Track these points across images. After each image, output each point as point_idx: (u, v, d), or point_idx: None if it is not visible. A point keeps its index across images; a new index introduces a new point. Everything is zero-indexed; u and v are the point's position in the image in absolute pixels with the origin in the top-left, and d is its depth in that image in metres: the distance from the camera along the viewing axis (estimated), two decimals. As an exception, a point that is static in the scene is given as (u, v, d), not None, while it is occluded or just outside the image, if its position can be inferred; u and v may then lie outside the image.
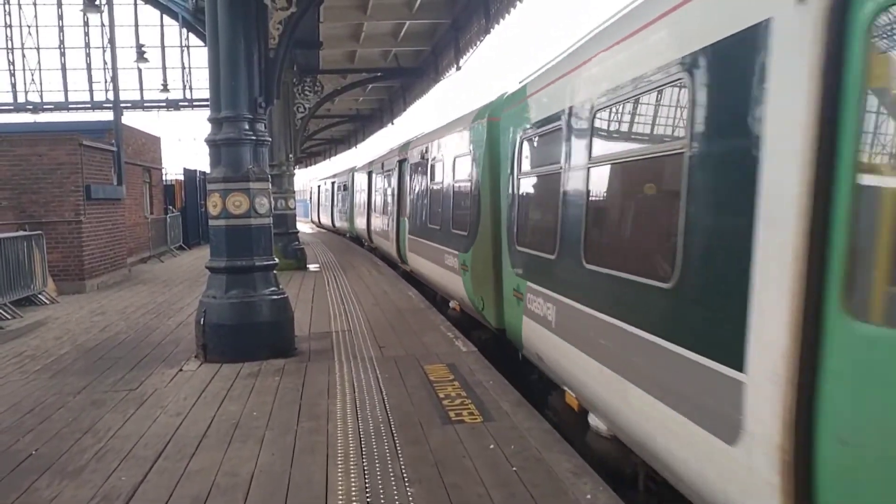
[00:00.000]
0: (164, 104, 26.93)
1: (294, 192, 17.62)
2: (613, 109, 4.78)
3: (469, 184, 9.50)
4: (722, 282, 3.27)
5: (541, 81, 6.65)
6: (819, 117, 2.64)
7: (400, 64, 21.25)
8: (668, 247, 3.77)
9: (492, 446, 4.78)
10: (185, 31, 22.83)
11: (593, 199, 5.10)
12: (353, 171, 28.85)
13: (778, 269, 2.80)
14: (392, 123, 29.51)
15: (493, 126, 8.61)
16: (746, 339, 3.00)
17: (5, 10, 26.04)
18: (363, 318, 9.93)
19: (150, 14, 25.67)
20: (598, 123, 5.02)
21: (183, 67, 26.74)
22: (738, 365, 3.05)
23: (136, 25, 25.93)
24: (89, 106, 26.07)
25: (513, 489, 4.09)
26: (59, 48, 26.34)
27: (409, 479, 4.25)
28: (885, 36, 2.48)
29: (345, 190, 30.81)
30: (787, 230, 2.75)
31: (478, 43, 16.45)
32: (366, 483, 4.21)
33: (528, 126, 6.94)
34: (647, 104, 4.30)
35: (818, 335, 2.62)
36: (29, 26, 26.28)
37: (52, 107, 25.98)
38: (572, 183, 5.48)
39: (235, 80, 7.48)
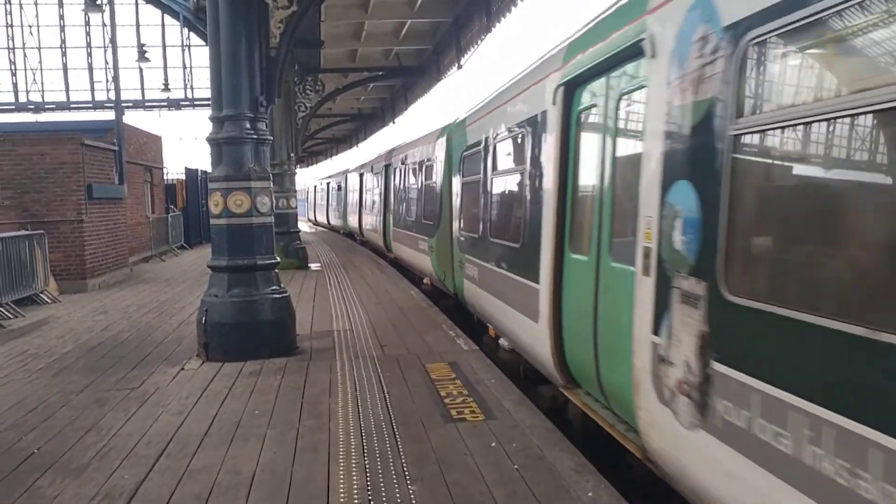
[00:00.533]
0: (165, 103, 26.92)
1: (296, 191, 17.64)
2: (502, 143, 8.02)
3: (435, 185, 12.32)
4: (533, 240, 6.26)
5: (472, 118, 9.85)
6: (559, 157, 5.65)
7: (401, 63, 21.24)
8: (520, 224, 6.81)
9: (493, 444, 4.78)
10: (186, 30, 22.85)
11: (493, 196, 8.33)
12: (346, 173, 31.57)
13: (548, 231, 5.81)
14: (393, 122, 29.52)
15: (449, 142, 11.48)
16: (540, 268, 6.00)
17: (6, 10, 26.04)
18: (365, 316, 9.93)
19: (151, 13, 25.68)
20: (495, 150, 8.24)
21: (184, 67, 26.73)
22: (537, 281, 6.07)
23: (138, 25, 25.93)
24: (90, 105, 26.05)
25: (514, 487, 4.09)
26: (61, 48, 26.35)
27: (411, 477, 4.26)
28: (583, 122, 5.42)
29: (339, 190, 33.85)
30: (550, 212, 5.77)
31: (479, 42, 16.45)
32: (367, 481, 4.22)
33: (465, 146, 9.98)
34: (513, 141, 7.50)
35: (561, 261, 5.66)
36: (30, 26, 26.29)
37: (53, 106, 25.97)
38: (485, 186, 8.55)
39: (237, 78, 7.48)
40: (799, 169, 3.00)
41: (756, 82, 3.07)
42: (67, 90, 26.27)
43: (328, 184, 39.50)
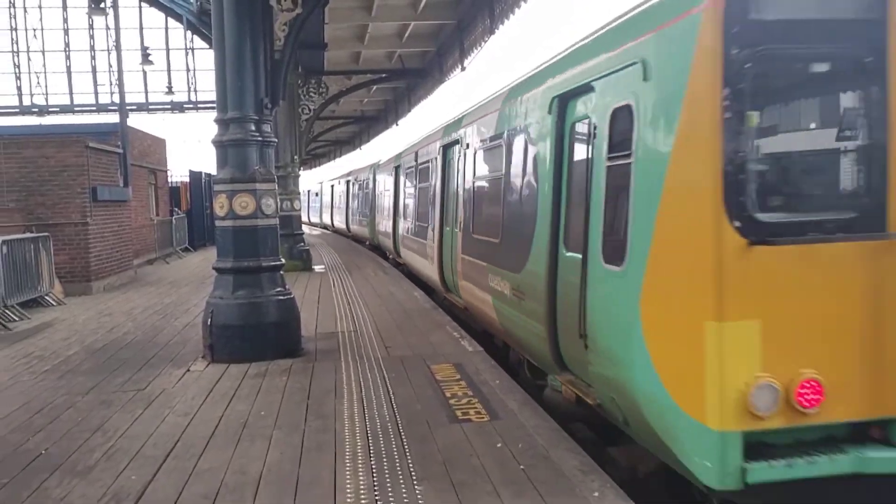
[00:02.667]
0: (168, 106, 26.95)
1: (299, 193, 17.68)
2: (385, 177, 19.94)
3: (371, 192, 23.05)
4: (391, 214, 17.67)
5: (382, 163, 21.64)
6: (394, 190, 17.74)
7: (405, 65, 21.27)
8: (391, 208, 17.81)
9: (499, 444, 4.79)
10: (189, 33, 22.87)
11: (385, 199, 19.52)
12: (321, 183, 45.72)
13: (394, 210, 17.73)
14: (396, 125, 29.56)
15: (373, 171, 22.84)
16: (393, 221, 17.50)
17: (11, 14, 26.11)
18: (369, 318, 9.95)
19: (154, 17, 25.68)
20: (385, 181, 19.83)
21: (187, 70, 26.76)
22: (393, 225, 17.33)
23: (141, 28, 25.96)
24: (94, 109, 26.08)
25: (521, 487, 4.10)
26: (65, 51, 26.40)
27: (417, 477, 4.27)
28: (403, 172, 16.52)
29: (316, 196, 48.20)
30: (392, 205, 17.85)
31: (482, 43, 16.48)
32: (374, 481, 4.23)
33: (381, 174, 21.07)
34: (388, 180, 18.70)
35: (396, 219, 17.17)
36: (34, 29, 26.35)
37: (57, 109, 26.01)
38: (383, 195, 20.11)
39: (241, 80, 7.50)
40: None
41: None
42: (71, 93, 26.32)
43: (308, 191, 52.36)
